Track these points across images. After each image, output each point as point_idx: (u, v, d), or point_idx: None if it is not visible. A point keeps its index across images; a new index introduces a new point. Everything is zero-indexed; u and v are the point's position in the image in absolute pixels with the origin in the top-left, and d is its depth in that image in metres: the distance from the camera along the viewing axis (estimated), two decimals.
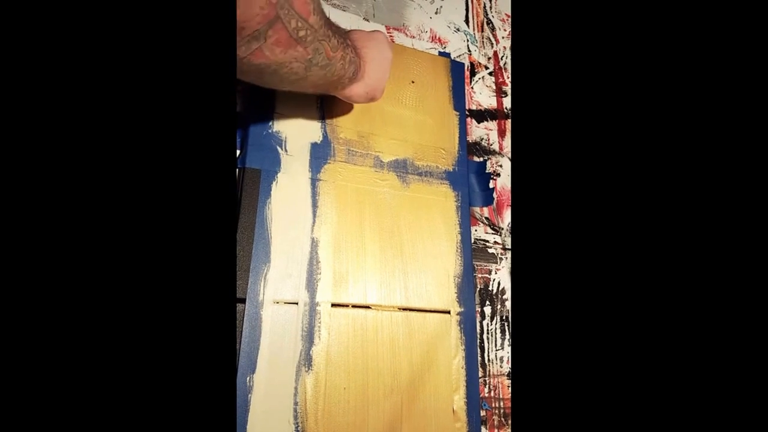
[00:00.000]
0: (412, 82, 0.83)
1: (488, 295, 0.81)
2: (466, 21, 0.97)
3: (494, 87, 0.96)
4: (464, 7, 0.98)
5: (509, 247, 0.86)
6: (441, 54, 0.90)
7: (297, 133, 0.71)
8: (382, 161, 0.76)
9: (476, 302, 0.79)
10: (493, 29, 1.00)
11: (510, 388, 0.78)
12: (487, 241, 0.84)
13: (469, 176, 0.83)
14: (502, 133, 0.93)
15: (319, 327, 0.64)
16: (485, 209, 0.86)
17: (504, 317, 0.81)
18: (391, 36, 0.87)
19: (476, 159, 0.88)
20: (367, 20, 0.86)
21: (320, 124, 0.73)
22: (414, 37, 0.90)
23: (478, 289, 0.80)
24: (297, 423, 0.60)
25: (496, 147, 0.92)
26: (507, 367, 0.79)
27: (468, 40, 0.96)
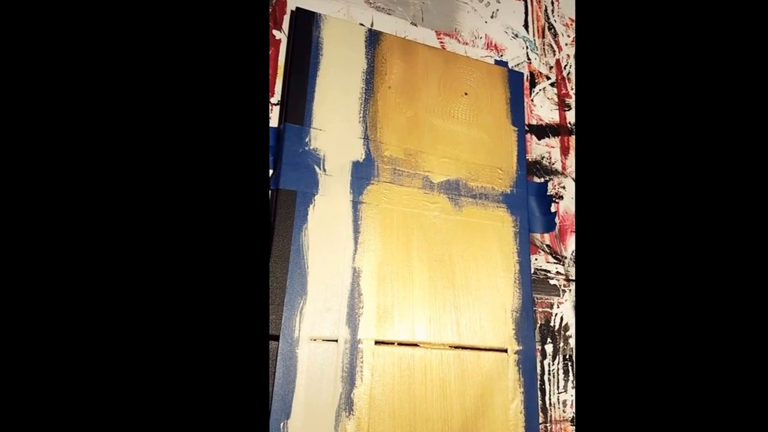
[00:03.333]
0: (465, 93, 0.83)
1: (550, 332, 0.80)
2: (525, 26, 0.98)
3: (556, 99, 0.96)
4: (523, 11, 0.98)
5: (573, 278, 0.85)
6: (497, 63, 0.90)
7: (337, 151, 0.71)
8: (431, 182, 0.76)
9: (536, 339, 0.78)
10: (555, 35, 1.00)
11: None
12: (549, 272, 0.83)
13: (528, 199, 0.82)
14: (565, 151, 0.93)
15: (362, 367, 0.64)
16: (546, 236, 0.85)
17: (567, 356, 0.80)
18: (442, 42, 0.87)
19: (536, 180, 0.88)
20: (415, 25, 0.87)
21: (363, 140, 0.73)
22: (467, 43, 0.90)
23: (538, 325, 0.80)
24: None
25: (558, 166, 0.91)
26: (571, 411, 0.78)
27: (527, 47, 0.96)
